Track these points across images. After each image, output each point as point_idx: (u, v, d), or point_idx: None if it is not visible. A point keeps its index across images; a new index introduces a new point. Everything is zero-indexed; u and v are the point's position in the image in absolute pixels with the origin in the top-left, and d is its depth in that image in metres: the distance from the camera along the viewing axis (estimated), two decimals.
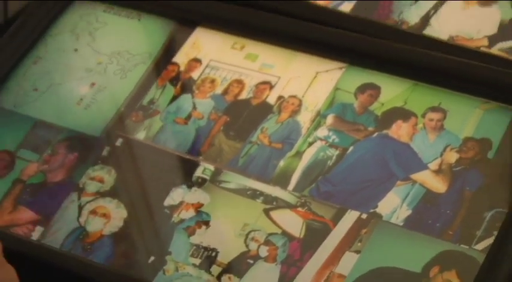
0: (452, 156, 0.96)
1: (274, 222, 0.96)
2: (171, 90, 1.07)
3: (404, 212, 0.94)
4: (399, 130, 0.99)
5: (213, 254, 0.95)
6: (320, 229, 0.94)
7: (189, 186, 0.99)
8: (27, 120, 1.08)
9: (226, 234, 0.96)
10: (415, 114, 0.99)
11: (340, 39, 1.04)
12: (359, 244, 0.92)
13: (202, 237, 0.96)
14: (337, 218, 0.94)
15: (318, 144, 1.00)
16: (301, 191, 0.97)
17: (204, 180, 1.00)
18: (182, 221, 0.98)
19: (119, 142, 1.04)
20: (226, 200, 0.98)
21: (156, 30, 1.11)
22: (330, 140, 1.00)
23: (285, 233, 0.95)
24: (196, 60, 1.08)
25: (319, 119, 1.01)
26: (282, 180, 0.98)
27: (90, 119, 1.07)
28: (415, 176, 0.96)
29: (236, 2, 1.09)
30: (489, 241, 0.90)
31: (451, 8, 1.05)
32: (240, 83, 1.05)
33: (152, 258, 0.96)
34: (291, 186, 0.98)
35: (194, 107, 1.05)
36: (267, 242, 0.95)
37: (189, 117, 1.04)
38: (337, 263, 0.92)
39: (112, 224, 0.99)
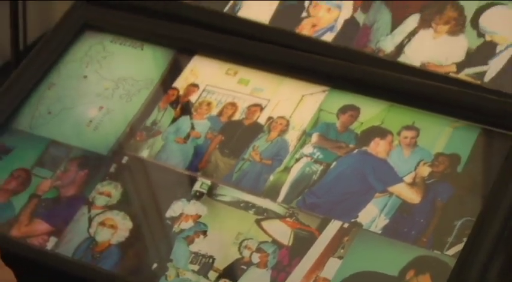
0: (425, 170, 0.96)
1: (265, 232, 0.95)
2: (171, 113, 1.06)
3: (383, 221, 0.93)
4: (377, 147, 0.99)
5: (210, 260, 0.94)
6: (306, 237, 0.94)
7: (188, 199, 0.99)
8: (42, 140, 1.07)
9: (222, 242, 0.95)
10: (391, 132, 0.99)
11: (323, 66, 1.04)
12: (342, 251, 0.92)
13: (200, 245, 0.96)
14: (321, 227, 0.94)
15: (304, 160, 0.99)
16: (289, 202, 0.97)
17: (201, 194, 0.99)
18: (182, 231, 0.97)
19: (124, 160, 1.04)
20: (221, 212, 0.98)
21: (158, 58, 1.11)
22: (315, 157, 0.99)
23: (275, 241, 0.94)
24: (194, 85, 1.08)
25: (304, 137, 1.01)
26: (272, 193, 0.98)
27: (99, 139, 1.06)
28: (392, 189, 0.95)
29: (230, 33, 1.08)
30: (459, 247, 0.89)
31: (423, 37, 1.04)
32: (233, 105, 1.05)
33: (155, 265, 0.96)
34: (280, 199, 0.97)
35: (192, 128, 1.05)
36: (258, 250, 0.94)
37: (188, 136, 1.04)
38: (322, 268, 0.91)
39: (119, 235, 0.98)
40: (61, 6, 1.18)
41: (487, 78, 1.00)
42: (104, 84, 1.11)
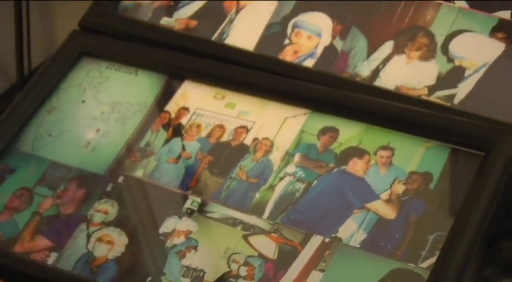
0: (400, 188, 0.95)
1: (251, 246, 0.95)
2: (164, 135, 1.06)
3: (361, 235, 0.93)
4: (355, 166, 0.98)
5: (201, 274, 0.94)
6: (290, 251, 0.93)
7: (180, 216, 0.98)
8: (43, 161, 1.06)
9: (211, 257, 0.95)
10: (368, 152, 0.99)
11: (304, 90, 1.03)
12: (323, 264, 0.92)
13: (191, 259, 0.95)
14: (304, 242, 0.94)
15: (288, 178, 0.99)
16: (274, 219, 0.96)
17: (192, 211, 0.98)
18: (174, 246, 0.96)
19: (120, 179, 1.03)
20: (211, 228, 0.97)
21: (151, 84, 1.10)
22: (298, 175, 0.99)
23: (261, 255, 0.94)
24: (185, 109, 1.07)
25: (288, 157, 1.00)
26: (257, 210, 0.97)
27: (96, 160, 1.05)
28: (369, 205, 0.95)
29: (218, 59, 1.08)
30: (432, 260, 0.89)
31: (397, 63, 1.04)
32: (221, 127, 1.04)
33: (149, 278, 0.95)
34: (265, 215, 0.97)
35: (183, 149, 1.04)
36: (246, 263, 0.94)
37: (179, 157, 1.03)
38: (305, 280, 0.91)
39: (115, 250, 0.98)
40: (62, 33, 1.17)
41: (456, 100, 1.00)
42: (101, 108, 1.10)
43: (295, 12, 1.10)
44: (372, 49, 1.06)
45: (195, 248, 0.96)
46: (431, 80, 1.02)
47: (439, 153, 0.97)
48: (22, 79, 1.54)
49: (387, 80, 1.03)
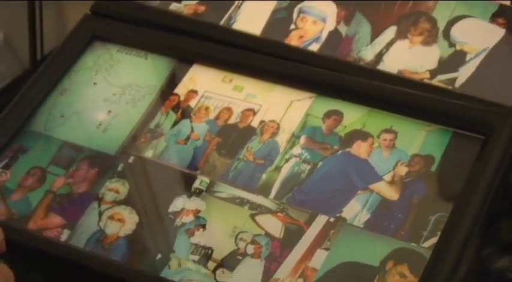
0: (402, 170, 0.95)
1: (258, 225, 0.94)
2: (173, 117, 1.05)
3: (364, 216, 0.92)
4: (359, 148, 0.98)
5: (209, 251, 0.93)
6: (296, 231, 0.93)
7: (189, 196, 0.98)
8: (56, 141, 1.06)
9: (219, 235, 0.94)
10: (371, 135, 0.98)
11: (310, 74, 1.03)
12: (328, 243, 0.91)
13: (200, 238, 0.95)
14: (309, 222, 0.93)
15: (293, 160, 0.98)
16: (280, 199, 0.96)
17: (201, 191, 0.98)
18: (183, 224, 0.96)
19: (131, 159, 1.03)
20: (219, 207, 0.97)
21: (161, 67, 1.09)
22: (303, 157, 0.98)
23: (267, 234, 0.93)
24: (193, 92, 1.06)
25: (293, 139, 1.00)
26: (264, 190, 0.97)
27: (107, 140, 1.05)
28: (373, 186, 0.94)
29: (225, 44, 1.07)
30: (434, 240, 0.89)
31: (399, 47, 1.04)
32: (229, 110, 1.04)
33: (159, 255, 0.94)
34: (271, 195, 0.96)
35: (192, 130, 1.03)
36: (253, 242, 0.93)
37: (188, 138, 1.03)
38: (310, 259, 0.91)
39: (126, 228, 0.97)
40: (73, 20, 1.16)
41: (457, 84, 0.99)
42: (112, 90, 1.09)
43: None
44: (375, 34, 1.05)
45: (204, 226, 0.96)
46: (433, 64, 1.01)
47: (440, 137, 0.96)
48: (35, 64, 1.53)
49: (390, 64, 1.02)
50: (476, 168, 0.91)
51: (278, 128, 1.01)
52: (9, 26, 1.57)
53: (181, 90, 1.07)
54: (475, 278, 1.00)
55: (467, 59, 1.01)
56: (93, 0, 1.15)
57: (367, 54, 1.04)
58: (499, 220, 1.01)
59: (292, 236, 0.93)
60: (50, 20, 1.58)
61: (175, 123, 1.04)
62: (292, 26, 1.08)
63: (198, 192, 0.98)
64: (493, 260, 1.01)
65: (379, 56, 1.03)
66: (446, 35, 1.03)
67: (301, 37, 1.07)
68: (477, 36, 1.03)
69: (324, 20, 1.08)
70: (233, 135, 1.02)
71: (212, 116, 1.04)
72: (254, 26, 1.09)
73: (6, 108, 1.09)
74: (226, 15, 1.11)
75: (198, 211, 0.97)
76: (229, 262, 0.92)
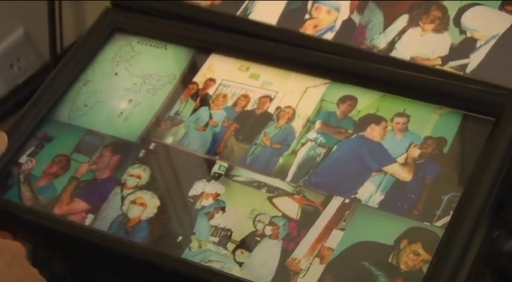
0: (415, 152, 0.94)
1: (276, 207, 0.94)
2: (192, 104, 1.05)
3: (379, 197, 0.92)
4: (373, 132, 0.97)
5: (229, 233, 0.93)
6: (312, 212, 0.93)
7: (208, 180, 0.98)
8: (80, 130, 1.06)
9: (238, 217, 0.94)
10: (385, 119, 0.98)
11: (324, 61, 1.02)
12: (343, 223, 0.91)
13: (219, 220, 0.95)
14: (325, 203, 0.93)
15: (309, 144, 0.98)
16: (297, 181, 0.95)
17: (220, 175, 0.98)
18: (203, 207, 0.96)
19: (152, 146, 1.03)
20: (237, 190, 0.96)
21: (179, 57, 1.09)
22: (318, 141, 0.98)
23: (285, 216, 0.93)
24: (212, 80, 1.06)
25: (309, 124, 0.99)
26: (281, 174, 0.96)
27: (129, 128, 1.05)
28: (386, 168, 0.94)
29: (242, 33, 1.07)
30: (447, 219, 0.88)
31: (412, 35, 1.03)
32: (246, 97, 1.04)
33: (180, 237, 0.94)
34: (288, 178, 0.96)
35: (210, 117, 1.03)
36: (271, 223, 0.93)
37: (207, 125, 1.03)
38: (327, 239, 0.90)
39: (148, 211, 0.97)
40: (91, 14, 1.16)
41: (468, 69, 0.99)
42: (133, 80, 1.09)
43: None
44: (388, 22, 1.05)
45: (223, 209, 0.95)
46: (445, 51, 1.01)
47: (452, 119, 0.95)
48: (55, 58, 1.53)
49: (403, 51, 1.02)
50: (487, 149, 0.91)
51: (294, 113, 1.01)
52: (29, 21, 1.57)
53: (199, 78, 1.07)
54: (485, 260, 1.00)
55: (477, 45, 1.00)
56: None
57: (380, 42, 1.04)
58: (509, 204, 1.00)
59: (308, 217, 0.92)
60: (69, 15, 1.58)
61: (194, 111, 1.04)
62: (307, 16, 1.08)
63: (217, 177, 0.98)
64: (503, 242, 1.01)
65: (392, 44, 1.03)
66: (457, 22, 1.03)
67: (315, 26, 1.07)
68: (487, 23, 1.02)
69: (337, 10, 1.08)
70: (250, 121, 1.02)
71: (230, 103, 1.04)
72: (270, 16, 1.09)
73: (31, 98, 1.09)
74: (243, 6, 1.11)
75: (218, 194, 0.96)
76: (248, 243, 0.92)
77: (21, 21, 1.56)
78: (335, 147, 0.97)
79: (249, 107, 1.03)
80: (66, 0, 1.54)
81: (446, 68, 1.00)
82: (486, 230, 0.90)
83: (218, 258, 0.92)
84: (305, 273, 0.89)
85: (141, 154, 1.02)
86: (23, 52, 1.57)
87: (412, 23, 1.04)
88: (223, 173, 0.98)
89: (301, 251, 0.90)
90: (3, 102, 1.55)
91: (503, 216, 1.00)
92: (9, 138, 1.03)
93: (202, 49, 1.09)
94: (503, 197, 0.91)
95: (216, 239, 0.93)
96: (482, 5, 1.03)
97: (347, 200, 0.92)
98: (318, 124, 0.99)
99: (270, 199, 0.95)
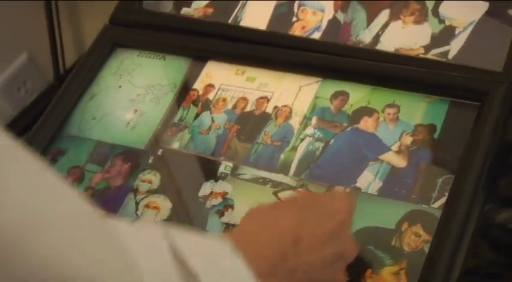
0: (408, 139, 0.94)
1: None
2: (194, 110, 1.04)
3: (377, 184, 0.92)
4: (366, 123, 0.97)
5: None
6: None
7: (216, 180, 0.97)
8: (90, 142, 1.06)
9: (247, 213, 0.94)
10: (376, 110, 0.97)
11: (315, 60, 1.02)
12: None
13: (229, 217, 0.94)
14: None
15: (307, 139, 0.98)
16: (299, 175, 0.95)
17: (226, 175, 0.97)
18: (213, 206, 0.96)
19: (160, 152, 1.02)
20: (244, 188, 0.96)
21: (178, 66, 1.09)
22: (316, 136, 0.98)
23: None
24: (211, 86, 1.06)
25: (306, 121, 0.99)
26: (284, 169, 0.96)
27: (137, 136, 1.04)
28: (382, 157, 0.94)
29: (235, 40, 1.06)
30: (443, 200, 0.88)
31: (394, 28, 1.03)
32: (244, 99, 1.03)
33: None
34: (291, 173, 0.96)
35: (213, 121, 1.03)
36: None
37: (209, 128, 1.02)
38: None
39: (161, 214, 0.97)
40: (90, 34, 1.16)
41: (450, 56, 0.99)
42: (136, 91, 1.09)
43: None
44: (370, 18, 1.04)
45: (232, 206, 0.95)
46: (426, 40, 1.00)
47: (439, 107, 0.95)
48: (59, 78, 1.53)
49: (387, 44, 1.01)
50: (475, 132, 0.90)
51: (291, 111, 1.00)
52: (31, 45, 1.57)
53: (199, 85, 1.06)
54: (480, 232, 1.00)
55: (456, 32, 1.00)
56: (106, 10, 1.14)
57: (365, 37, 1.03)
58: (498, 177, 1.00)
59: None
60: (69, 36, 1.57)
61: (197, 116, 1.04)
62: (294, 19, 1.08)
63: (224, 176, 0.97)
64: (495, 214, 1.01)
65: (377, 38, 1.03)
66: (435, 12, 1.02)
67: (303, 27, 1.07)
68: (463, 11, 1.01)
69: (322, 10, 1.07)
70: (250, 122, 1.01)
71: (230, 106, 1.03)
72: (259, 21, 1.09)
73: (41, 117, 1.08)
74: (233, 15, 1.10)
75: (226, 193, 0.96)
76: None
77: (24, 46, 1.56)
78: (332, 140, 0.97)
79: (248, 109, 1.02)
80: (65, 22, 1.54)
81: (429, 56, 0.99)
82: (481, 207, 0.90)
83: None
84: None
85: (150, 160, 1.02)
86: (29, 75, 1.57)
87: (394, 16, 1.04)
88: (229, 172, 0.98)
89: None
90: (14, 123, 1.55)
91: (493, 190, 1.00)
92: None
93: (199, 57, 1.08)
94: (493, 174, 0.91)
95: None
96: None
97: (348, 189, 0.92)
98: (314, 120, 0.99)
99: (275, 194, 0.94)
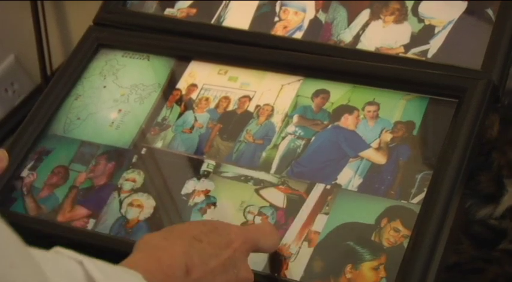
0: (387, 136, 0.94)
1: (263, 198, 0.94)
2: (177, 109, 1.05)
3: (357, 180, 0.92)
4: (347, 121, 0.97)
5: None
6: (297, 200, 0.93)
7: (198, 178, 0.98)
8: (75, 141, 1.06)
9: (229, 210, 0.94)
10: (357, 108, 0.98)
11: (296, 59, 1.02)
12: (327, 207, 0.91)
13: (212, 214, 0.94)
14: (308, 190, 0.93)
15: (289, 137, 0.98)
16: (280, 173, 0.95)
17: (208, 173, 0.98)
18: (196, 204, 0.96)
19: (143, 151, 1.02)
20: (226, 186, 0.96)
21: (162, 66, 1.09)
22: (297, 134, 0.98)
23: (272, 205, 0.93)
24: (194, 85, 1.06)
25: (287, 119, 0.99)
26: (265, 167, 0.96)
27: (120, 136, 1.04)
28: (362, 154, 0.94)
29: (218, 40, 1.07)
30: (421, 196, 0.88)
31: (374, 27, 1.03)
32: (227, 98, 1.03)
33: None
34: (272, 170, 0.96)
35: (195, 120, 1.03)
36: (259, 213, 0.93)
37: (192, 127, 1.02)
38: (313, 223, 0.90)
39: (145, 212, 0.97)
40: (77, 35, 1.16)
41: (429, 54, 0.99)
42: (120, 91, 1.09)
43: None
44: (351, 18, 1.05)
45: (214, 204, 0.95)
46: (406, 39, 1.01)
47: (418, 104, 0.96)
48: (46, 79, 1.53)
49: (367, 43, 1.02)
50: (453, 129, 0.91)
51: (272, 110, 1.00)
52: (19, 47, 1.57)
53: (182, 85, 1.06)
54: (461, 228, 1.00)
55: (436, 31, 1.01)
56: (92, 10, 1.14)
57: (346, 36, 1.04)
58: (478, 174, 1.01)
59: (294, 205, 0.92)
60: (56, 39, 1.58)
61: (180, 115, 1.04)
62: (276, 19, 1.08)
63: (206, 174, 0.98)
64: (476, 210, 1.01)
65: (357, 37, 1.03)
66: (415, 12, 1.03)
67: (285, 27, 1.07)
68: (442, 10, 1.02)
69: (304, 10, 1.07)
70: (233, 121, 1.01)
71: (212, 105, 1.03)
72: (242, 21, 1.09)
73: (27, 116, 1.08)
74: (216, 15, 1.11)
75: (208, 191, 0.96)
76: None
77: (11, 48, 1.56)
78: (313, 138, 0.97)
79: (230, 108, 1.03)
80: (52, 24, 1.54)
81: (409, 54, 1.00)
82: (459, 201, 0.90)
83: None
84: (295, 257, 0.89)
85: (134, 159, 1.02)
86: (16, 77, 1.57)
87: (374, 16, 1.04)
88: (211, 170, 0.98)
89: (290, 237, 0.90)
90: (1, 124, 1.55)
91: (473, 186, 1.00)
92: (9, 154, 1.03)
93: (182, 57, 1.08)
94: (471, 169, 0.92)
95: None
96: None
97: (328, 186, 0.92)
98: (295, 118, 0.99)
99: (257, 191, 0.95)
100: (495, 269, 1.01)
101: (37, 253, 0.64)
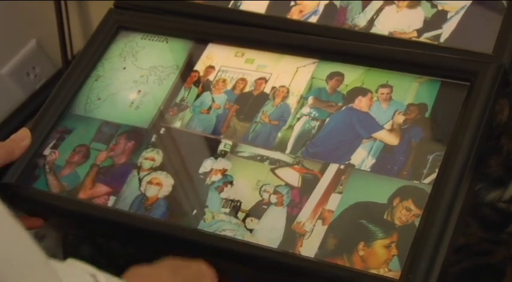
0: (400, 118, 0.95)
1: (279, 177, 0.94)
2: (195, 90, 1.05)
3: (370, 161, 0.92)
4: (360, 103, 0.97)
5: (238, 204, 0.94)
6: (312, 179, 0.93)
7: (216, 157, 0.98)
8: (96, 121, 1.06)
9: (245, 189, 0.95)
10: (370, 90, 0.98)
11: (312, 42, 1.02)
12: (341, 187, 0.91)
13: (229, 193, 0.95)
14: (323, 170, 0.93)
15: (304, 118, 0.98)
16: (295, 153, 0.96)
17: (225, 152, 0.98)
18: (213, 182, 0.96)
19: (162, 131, 1.03)
20: (243, 165, 0.97)
21: (180, 49, 1.09)
22: (312, 115, 0.98)
23: (287, 184, 0.94)
24: (211, 67, 1.06)
25: (302, 100, 1.00)
26: (281, 147, 0.97)
27: (140, 116, 1.05)
28: (375, 135, 0.94)
29: (235, 23, 1.07)
30: (433, 176, 0.89)
31: (388, 12, 1.03)
32: (243, 80, 1.04)
33: (195, 211, 0.95)
34: (288, 151, 0.96)
35: (213, 101, 1.03)
36: (275, 192, 0.93)
37: (210, 108, 1.03)
38: (327, 202, 0.91)
39: (164, 190, 0.98)
40: (97, 19, 1.16)
41: (442, 39, 0.99)
42: (140, 72, 1.09)
43: None
44: (366, 3, 1.04)
45: (231, 182, 0.96)
46: (419, 24, 1.01)
47: (431, 87, 0.96)
48: (67, 63, 1.53)
49: (381, 27, 1.02)
50: (464, 111, 0.91)
51: (288, 92, 1.01)
52: (40, 32, 1.57)
53: (200, 67, 1.07)
54: (470, 210, 1.01)
55: (448, 16, 1.00)
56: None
57: (360, 20, 1.04)
58: (487, 157, 1.01)
59: (308, 184, 0.93)
60: (76, 23, 1.58)
61: (197, 96, 1.04)
62: (292, 3, 1.08)
63: (223, 154, 0.98)
64: (485, 193, 1.02)
65: (371, 22, 1.03)
66: None
67: (301, 11, 1.07)
68: None
69: None
70: (249, 102, 1.02)
71: (229, 86, 1.04)
72: (258, 5, 1.09)
73: (49, 96, 1.09)
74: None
75: (225, 170, 0.97)
76: (256, 211, 0.93)
77: (33, 33, 1.56)
78: (327, 119, 0.97)
79: (247, 89, 1.03)
80: (73, 3, 1.54)
81: (422, 39, 1.00)
82: (469, 183, 0.90)
83: (231, 227, 0.92)
84: (310, 235, 0.89)
85: (153, 139, 1.02)
86: (37, 61, 1.58)
87: (388, 1, 1.04)
88: (228, 150, 0.98)
89: (304, 215, 0.91)
90: (23, 107, 1.56)
91: (483, 169, 1.00)
92: (32, 133, 1.04)
93: (200, 40, 1.09)
94: (481, 152, 0.92)
95: (227, 210, 0.94)
96: None
97: (342, 166, 0.93)
98: (310, 100, 0.99)
99: (272, 170, 0.95)
100: (503, 251, 1.01)
101: (55, 265, 0.67)
